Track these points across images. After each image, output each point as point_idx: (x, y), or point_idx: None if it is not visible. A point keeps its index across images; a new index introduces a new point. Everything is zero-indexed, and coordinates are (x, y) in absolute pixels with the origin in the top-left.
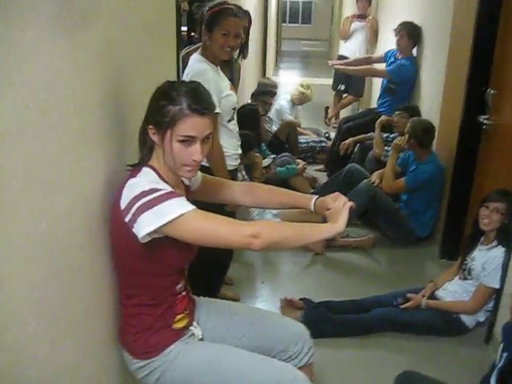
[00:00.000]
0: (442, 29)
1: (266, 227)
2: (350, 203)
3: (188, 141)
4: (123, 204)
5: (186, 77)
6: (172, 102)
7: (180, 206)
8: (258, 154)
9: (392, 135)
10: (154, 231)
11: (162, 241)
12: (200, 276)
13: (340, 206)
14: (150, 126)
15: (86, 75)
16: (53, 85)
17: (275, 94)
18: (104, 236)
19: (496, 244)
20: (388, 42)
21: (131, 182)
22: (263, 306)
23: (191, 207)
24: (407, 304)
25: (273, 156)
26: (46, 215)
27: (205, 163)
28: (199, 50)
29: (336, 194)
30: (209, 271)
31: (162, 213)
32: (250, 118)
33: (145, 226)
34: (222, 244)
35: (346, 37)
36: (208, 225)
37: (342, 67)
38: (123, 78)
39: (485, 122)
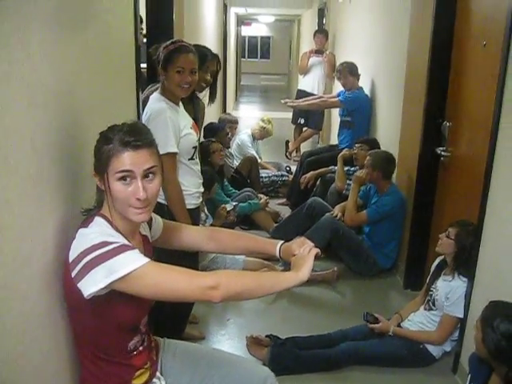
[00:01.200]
0: (397, 63)
1: (225, 278)
2: (316, 250)
3: (127, 177)
4: (71, 256)
5: (145, 116)
6: (106, 141)
7: (133, 260)
8: (223, 206)
9: (353, 168)
10: (104, 288)
11: (112, 296)
12: (164, 317)
13: (305, 252)
14: (94, 173)
15: (44, 117)
16: (10, 129)
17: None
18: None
19: (457, 274)
20: None
21: (82, 231)
22: (229, 343)
23: (145, 260)
24: (375, 325)
25: (234, 203)
26: (4, 263)
27: (163, 201)
28: (159, 89)
29: (302, 239)
30: (173, 312)
31: (113, 268)
32: (202, 153)
33: (95, 283)
34: (180, 298)
35: (305, 71)
36: (163, 278)
37: (295, 104)
38: (81, 118)
39: (442, 153)
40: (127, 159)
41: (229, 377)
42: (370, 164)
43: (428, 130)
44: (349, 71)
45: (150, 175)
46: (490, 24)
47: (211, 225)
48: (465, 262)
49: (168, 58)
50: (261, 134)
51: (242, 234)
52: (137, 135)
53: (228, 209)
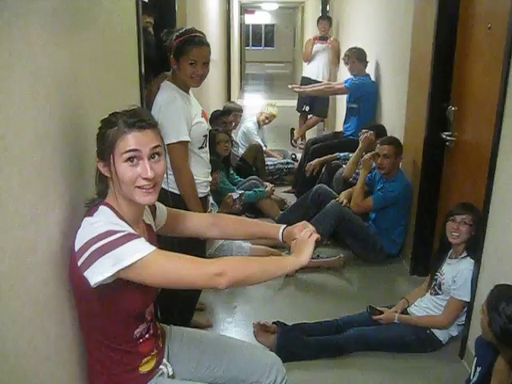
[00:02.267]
0: (402, 48)
1: (230, 264)
2: (316, 235)
3: (133, 158)
4: (77, 245)
5: (156, 104)
6: (110, 125)
7: (139, 249)
8: (229, 194)
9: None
10: (111, 276)
11: (118, 285)
12: (171, 305)
13: (305, 237)
14: (97, 159)
15: (46, 106)
16: (13, 118)
17: (230, 112)
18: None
19: (465, 255)
20: None
21: (87, 220)
22: (236, 331)
23: (151, 249)
24: (380, 316)
25: (240, 191)
26: (8, 251)
27: (166, 186)
28: (169, 77)
29: (303, 223)
30: (180, 299)
31: (120, 257)
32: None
33: (101, 272)
34: (187, 285)
35: (309, 59)
36: (170, 266)
37: (301, 90)
38: (83, 107)
39: (447, 138)
40: (133, 139)
41: (235, 363)
42: (393, 152)
43: (433, 115)
44: (357, 56)
45: (156, 156)
46: (494, 6)
47: (217, 213)
48: (476, 244)
49: (181, 49)
50: (265, 115)
51: (245, 220)
52: (139, 116)
53: (234, 197)
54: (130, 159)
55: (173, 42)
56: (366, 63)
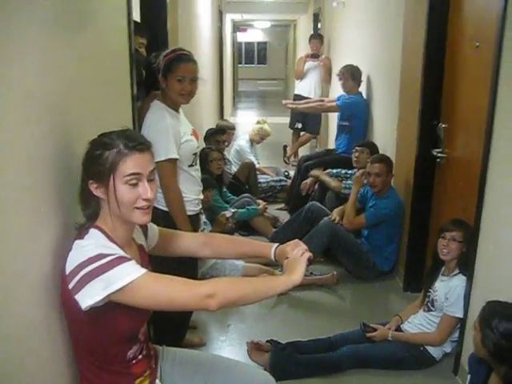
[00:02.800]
0: (392, 66)
1: (222, 286)
2: (308, 254)
3: (134, 180)
4: (68, 269)
5: (145, 123)
6: (107, 147)
7: (129, 272)
8: (223, 213)
9: (350, 171)
10: (101, 300)
11: (110, 307)
12: (164, 324)
13: (298, 256)
14: (91, 181)
15: (37, 128)
16: (4, 141)
17: (225, 131)
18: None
19: (457, 272)
20: None
21: (78, 243)
22: (230, 349)
23: (141, 272)
24: (373, 333)
25: (233, 210)
26: (1, 273)
27: (164, 207)
28: (158, 96)
29: (295, 241)
30: (172, 318)
31: (111, 280)
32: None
33: (91, 296)
34: (178, 307)
35: (301, 76)
36: (160, 289)
37: (294, 106)
38: (75, 129)
39: (438, 155)
40: (135, 162)
41: (230, 381)
42: (384, 170)
43: (424, 132)
44: (350, 74)
45: (152, 177)
46: (482, 25)
47: (210, 231)
48: (468, 261)
49: (168, 67)
50: (260, 135)
51: (237, 239)
52: (138, 139)
53: (227, 216)
54: (130, 181)
55: (160, 62)
56: (359, 82)
